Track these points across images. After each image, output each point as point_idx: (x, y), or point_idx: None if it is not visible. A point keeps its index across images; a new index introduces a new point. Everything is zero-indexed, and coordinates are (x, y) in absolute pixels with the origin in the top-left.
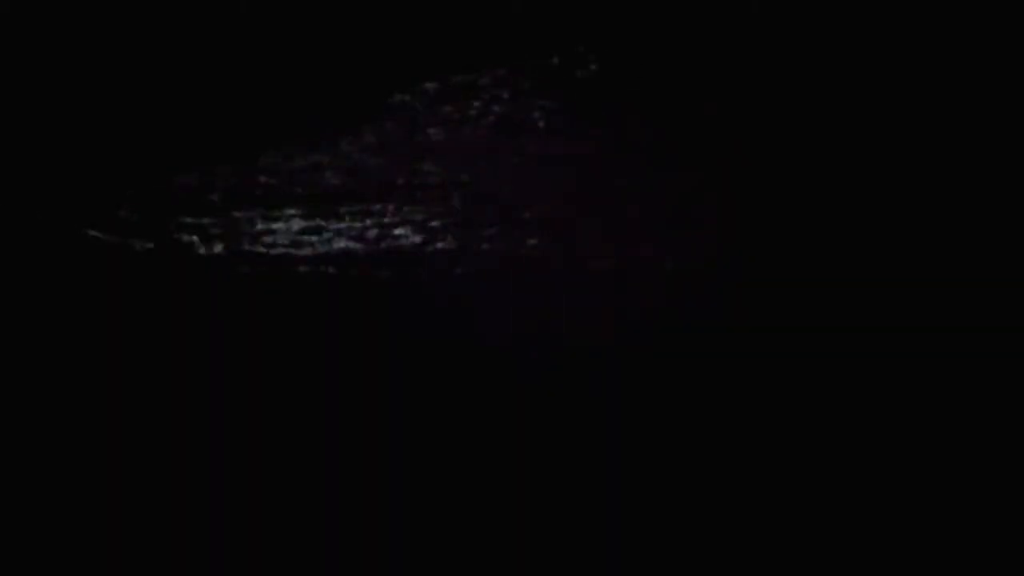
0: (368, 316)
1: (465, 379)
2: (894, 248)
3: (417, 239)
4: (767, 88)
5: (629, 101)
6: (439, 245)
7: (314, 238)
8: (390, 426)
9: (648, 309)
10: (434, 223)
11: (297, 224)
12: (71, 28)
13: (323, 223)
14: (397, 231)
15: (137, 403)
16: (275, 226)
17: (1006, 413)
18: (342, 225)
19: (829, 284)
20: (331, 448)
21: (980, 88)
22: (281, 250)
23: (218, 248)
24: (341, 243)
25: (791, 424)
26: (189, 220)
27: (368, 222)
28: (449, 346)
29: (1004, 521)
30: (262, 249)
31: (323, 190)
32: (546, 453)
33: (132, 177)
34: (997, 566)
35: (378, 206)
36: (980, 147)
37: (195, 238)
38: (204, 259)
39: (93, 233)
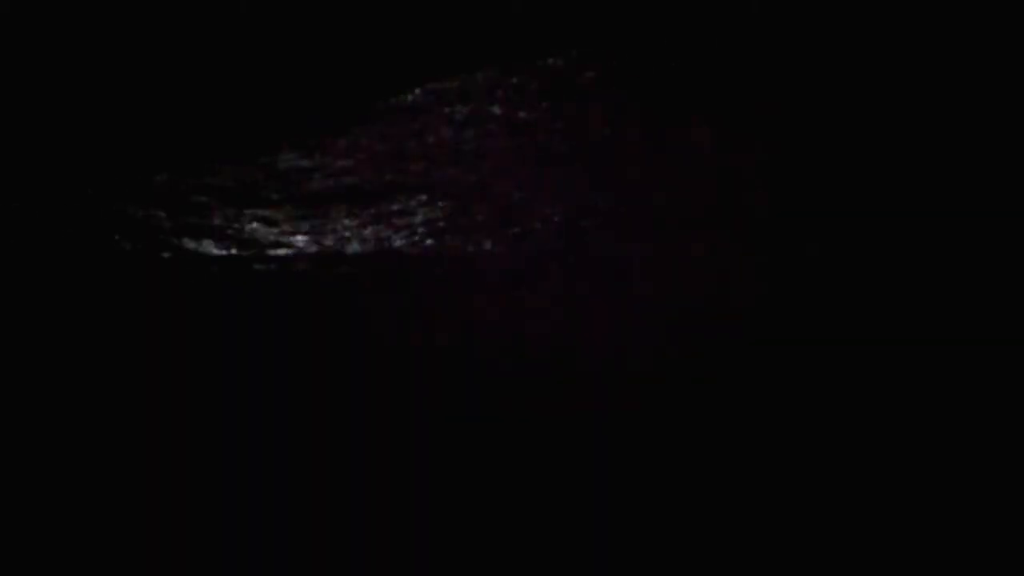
0: (368, 316)
1: (465, 380)
2: (894, 249)
3: (416, 239)
4: (767, 88)
5: (629, 101)
6: (439, 245)
7: (313, 238)
8: (389, 427)
9: (648, 309)
10: (433, 223)
11: (297, 224)
12: (71, 28)
13: (322, 223)
14: (396, 231)
15: (138, 403)
16: (275, 226)
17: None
18: (341, 225)
19: (828, 283)
20: (329, 448)
21: (981, 89)
22: (281, 250)
23: (218, 248)
24: (342, 243)
25: (793, 435)
26: (189, 220)
27: (367, 222)
28: (449, 346)
29: (1004, 522)
30: (262, 249)
31: (322, 190)
32: (545, 457)
33: (132, 177)
34: (997, 566)
35: (377, 206)
36: (981, 150)
37: (195, 238)
38: (204, 259)
39: (93, 233)
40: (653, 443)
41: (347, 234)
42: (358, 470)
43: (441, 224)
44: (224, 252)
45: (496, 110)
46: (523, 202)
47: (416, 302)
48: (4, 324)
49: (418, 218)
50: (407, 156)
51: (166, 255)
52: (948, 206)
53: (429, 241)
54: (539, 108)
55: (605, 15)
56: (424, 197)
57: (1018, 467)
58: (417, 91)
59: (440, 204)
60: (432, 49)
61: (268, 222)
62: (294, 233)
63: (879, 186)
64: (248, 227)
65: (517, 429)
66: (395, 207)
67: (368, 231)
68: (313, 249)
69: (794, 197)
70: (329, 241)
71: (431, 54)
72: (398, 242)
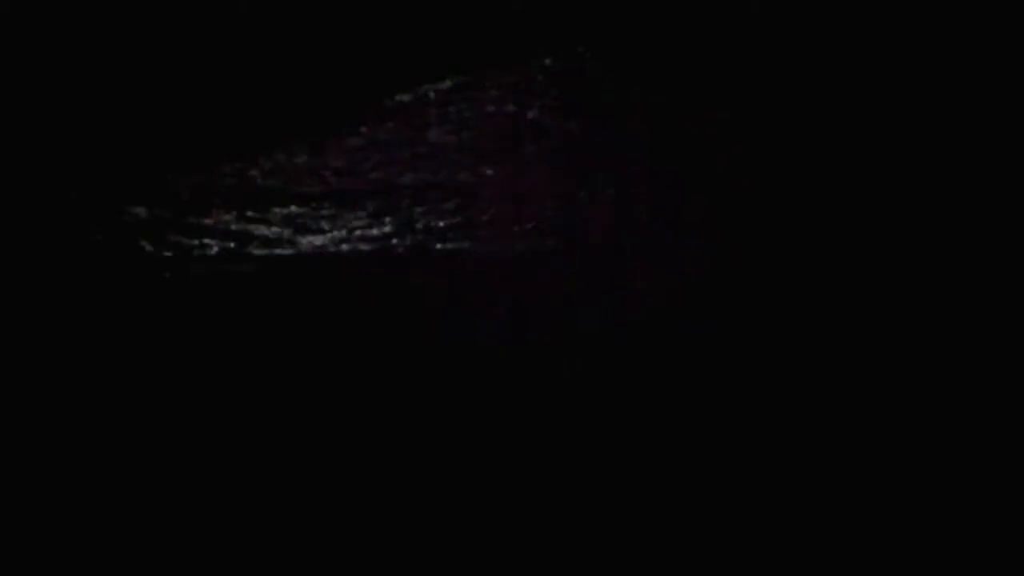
0: (368, 316)
1: (465, 380)
2: (893, 251)
3: (417, 239)
4: (768, 89)
5: (629, 101)
6: (439, 245)
7: (314, 238)
8: (390, 427)
9: (648, 310)
10: (434, 223)
11: (297, 224)
12: (71, 28)
13: (323, 223)
14: (397, 231)
15: (137, 402)
16: (275, 226)
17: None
18: (342, 225)
19: (828, 288)
20: (330, 448)
21: (981, 91)
22: (280, 250)
23: (218, 248)
24: (341, 243)
25: (784, 428)
26: (189, 220)
27: (368, 222)
28: (449, 347)
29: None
30: (262, 249)
31: (323, 190)
32: (545, 453)
33: (131, 178)
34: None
35: (378, 206)
36: (981, 152)
37: (195, 238)
38: (204, 259)
39: (93, 234)
40: (652, 443)
41: (347, 234)
42: (357, 469)
43: (441, 224)
44: (224, 252)
45: (496, 110)
46: (523, 202)
47: (416, 302)
48: (4, 324)
49: (418, 218)
50: (407, 156)
51: (166, 255)
52: (948, 207)
53: (429, 241)
54: (539, 108)
55: (605, 15)
56: (424, 197)
57: (1013, 467)
58: (417, 91)
59: (440, 204)
60: (432, 49)
61: (268, 222)
62: (294, 233)
63: (880, 186)
64: (248, 227)
65: (516, 428)
66: (395, 207)
67: (368, 231)
68: (313, 249)
69: (794, 197)
70: (329, 241)
71: (431, 54)
72: (398, 242)
